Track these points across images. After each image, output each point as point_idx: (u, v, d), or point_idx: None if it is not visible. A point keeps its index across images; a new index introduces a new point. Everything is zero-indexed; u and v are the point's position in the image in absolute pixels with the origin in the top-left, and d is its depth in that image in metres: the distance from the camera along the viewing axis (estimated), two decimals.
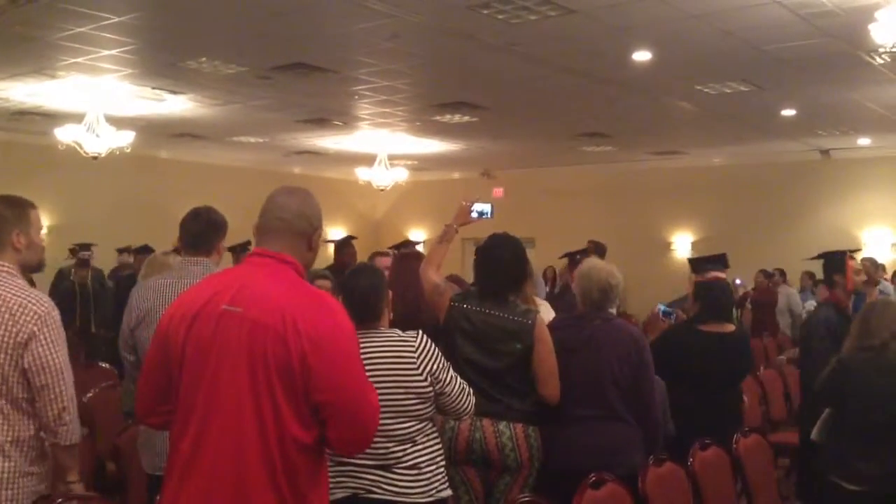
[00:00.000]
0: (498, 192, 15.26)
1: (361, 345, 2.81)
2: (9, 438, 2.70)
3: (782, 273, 11.58)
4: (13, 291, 2.73)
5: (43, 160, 11.20)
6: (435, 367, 2.86)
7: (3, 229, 2.81)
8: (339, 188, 16.03)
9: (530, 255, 4.67)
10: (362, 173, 12.93)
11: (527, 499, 2.96)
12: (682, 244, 14.01)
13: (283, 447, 2.09)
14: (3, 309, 2.69)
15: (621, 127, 10.90)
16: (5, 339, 2.67)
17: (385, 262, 5.74)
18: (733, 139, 11.65)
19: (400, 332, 2.92)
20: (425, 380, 2.84)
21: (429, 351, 2.88)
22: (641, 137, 11.73)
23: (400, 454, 2.81)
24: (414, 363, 2.84)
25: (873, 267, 10.35)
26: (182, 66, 7.77)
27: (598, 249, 7.72)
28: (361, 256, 7.23)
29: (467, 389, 2.95)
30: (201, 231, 3.49)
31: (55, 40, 6.94)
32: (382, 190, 13.30)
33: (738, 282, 11.51)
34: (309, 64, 7.68)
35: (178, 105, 9.64)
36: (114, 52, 7.28)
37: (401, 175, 13.15)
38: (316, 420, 2.13)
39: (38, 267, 2.98)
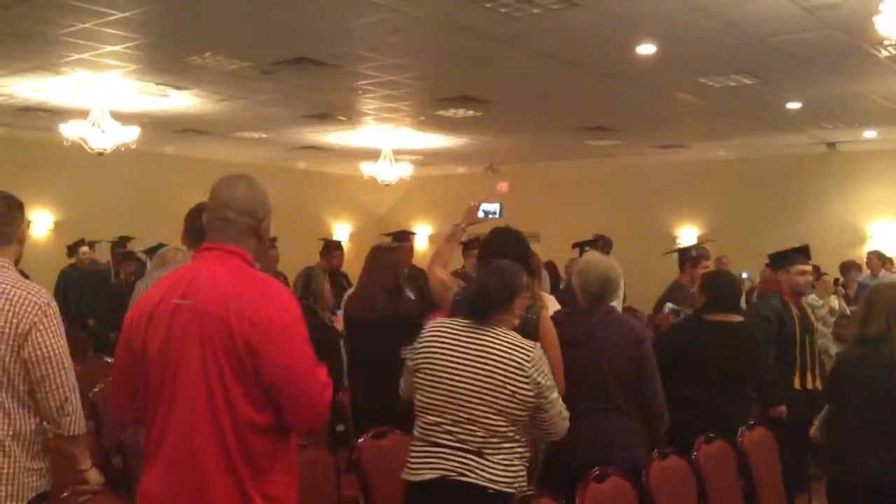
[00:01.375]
0: (502, 186, 15.21)
1: (476, 338, 2.93)
2: (9, 433, 2.71)
3: None
4: (12, 283, 2.77)
5: (48, 156, 11.22)
6: (543, 381, 2.90)
7: (14, 224, 2.89)
8: (344, 183, 16.03)
9: (535, 249, 4.68)
10: (367, 168, 12.93)
11: (531, 493, 2.97)
12: (688, 238, 13.96)
13: (237, 430, 2.20)
14: (3, 301, 2.71)
15: (626, 120, 10.88)
16: (6, 330, 2.69)
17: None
18: (738, 132, 11.62)
19: (521, 338, 2.97)
20: (531, 391, 2.87)
21: (543, 365, 2.91)
22: (646, 131, 11.70)
23: (494, 445, 2.87)
24: (525, 371, 2.87)
25: (880, 260, 10.36)
26: (186, 61, 7.78)
27: (606, 244, 7.72)
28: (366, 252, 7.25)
29: (565, 414, 2.98)
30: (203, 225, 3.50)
31: (59, 36, 6.95)
32: (387, 185, 13.29)
33: (744, 275, 11.49)
34: (312, 59, 7.67)
35: (183, 101, 9.65)
36: (118, 47, 7.29)
37: (405, 170, 13.15)
38: (270, 402, 2.23)
39: (18, 260, 3.05)
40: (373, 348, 4.67)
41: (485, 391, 2.85)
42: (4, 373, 2.70)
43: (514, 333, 2.99)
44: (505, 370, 2.87)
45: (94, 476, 2.93)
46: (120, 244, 9.86)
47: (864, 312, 3.70)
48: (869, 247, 11.59)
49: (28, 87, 9.03)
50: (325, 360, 2.40)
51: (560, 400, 2.98)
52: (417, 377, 2.99)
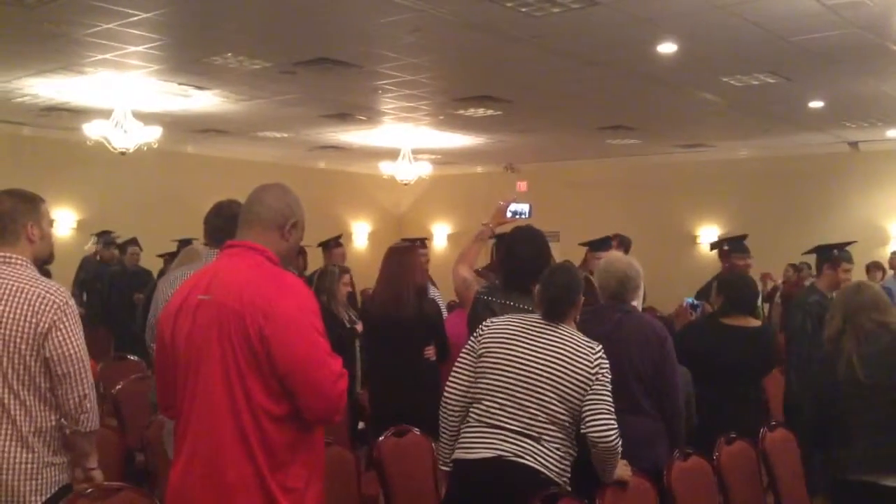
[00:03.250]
0: (522, 185, 15.22)
1: (549, 331, 3.07)
2: (31, 430, 2.75)
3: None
4: (31, 283, 2.78)
5: (71, 156, 11.33)
6: (603, 377, 3.01)
7: (19, 221, 2.86)
8: (363, 183, 16.08)
9: (554, 249, 4.66)
10: (386, 168, 12.95)
11: (554, 491, 2.97)
12: (708, 237, 13.88)
13: (255, 419, 2.25)
14: (22, 300, 2.73)
15: (646, 119, 10.83)
16: (27, 329, 2.72)
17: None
18: (760, 131, 11.54)
19: (584, 336, 3.10)
20: (595, 375, 2.98)
21: (605, 362, 3.03)
22: (667, 130, 11.65)
23: (550, 432, 2.96)
24: (591, 362, 3.00)
25: None
26: (208, 61, 7.83)
27: (623, 243, 7.68)
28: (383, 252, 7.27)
29: (612, 423, 2.98)
30: (222, 225, 3.52)
31: (83, 37, 7.01)
32: (406, 184, 13.31)
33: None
34: (332, 59, 7.70)
35: (204, 101, 9.71)
36: (141, 48, 7.35)
37: (424, 169, 13.16)
38: (287, 393, 2.27)
39: (49, 259, 3.05)
40: (397, 347, 4.67)
41: (554, 377, 2.96)
42: (26, 371, 2.73)
43: (580, 334, 3.12)
44: (574, 360, 3.00)
45: (99, 476, 2.94)
46: (186, 242, 9.75)
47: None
48: (892, 247, 11.48)
49: (52, 88, 9.13)
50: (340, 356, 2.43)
51: (611, 407, 3.01)
52: (483, 362, 3.07)
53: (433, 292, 5.10)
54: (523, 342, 3.05)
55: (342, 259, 7.41)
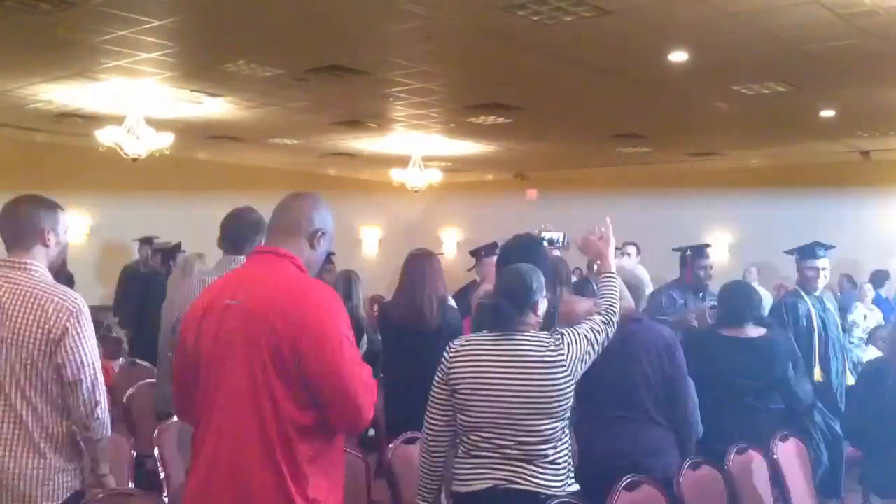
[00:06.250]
0: (532, 193, 15.22)
1: (505, 348, 2.95)
2: (43, 436, 2.75)
3: None
4: (45, 289, 2.79)
5: (84, 161, 11.40)
6: (581, 353, 2.96)
7: (36, 227, 2.88)
8: (374, 189, 16.10)
9: (564, 256, 4.65)
10: (396, 175, 12.98)
11: (565, 500, 2.96)
12: (719, 246, 13.84)
13: (281, 428, 2.22)
14: (35, 306, 2.74)
15: (657, 128, 10.82)
16: (39, 336, 2.72)
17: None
18: (771, 140, 11.51)
19: (542, 333, 3.00)
20: (570, 376, 2.91)
21: (571, 344, 2.95)
22: (677, 138, 11.62)
23: (543, 450, 2.88)
24: (564, 361, 2.91)
25: None
26: (220, 69, 7.86)
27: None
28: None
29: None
30: (239, 232, 3.56)
31: (97, 44, 7.06)
32: (416, 191, 13.33)
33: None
34: (344, 66, 7.73)
35: (217, 107, 9.75)
36: (154, 55, 7.39)
37: (435, 176, 13.18)
38: (315, 403, 2.25)
39: (62, 267, 3.05)
40: (417, 356, 4.62)
41: (529, 398, 2.87)
42: (38, 377, 2.74)
43: (539, 333, 3.00)
44: (541, 367, 2.89)
45: (112, 482, 2.95)
46: (156, 249, 9.69)
47: None
48: None
49: (66, 94, 9.18)
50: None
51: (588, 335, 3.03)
52: (457, 398, 2.98)
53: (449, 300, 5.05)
54: (488, 368, 2.94)
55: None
